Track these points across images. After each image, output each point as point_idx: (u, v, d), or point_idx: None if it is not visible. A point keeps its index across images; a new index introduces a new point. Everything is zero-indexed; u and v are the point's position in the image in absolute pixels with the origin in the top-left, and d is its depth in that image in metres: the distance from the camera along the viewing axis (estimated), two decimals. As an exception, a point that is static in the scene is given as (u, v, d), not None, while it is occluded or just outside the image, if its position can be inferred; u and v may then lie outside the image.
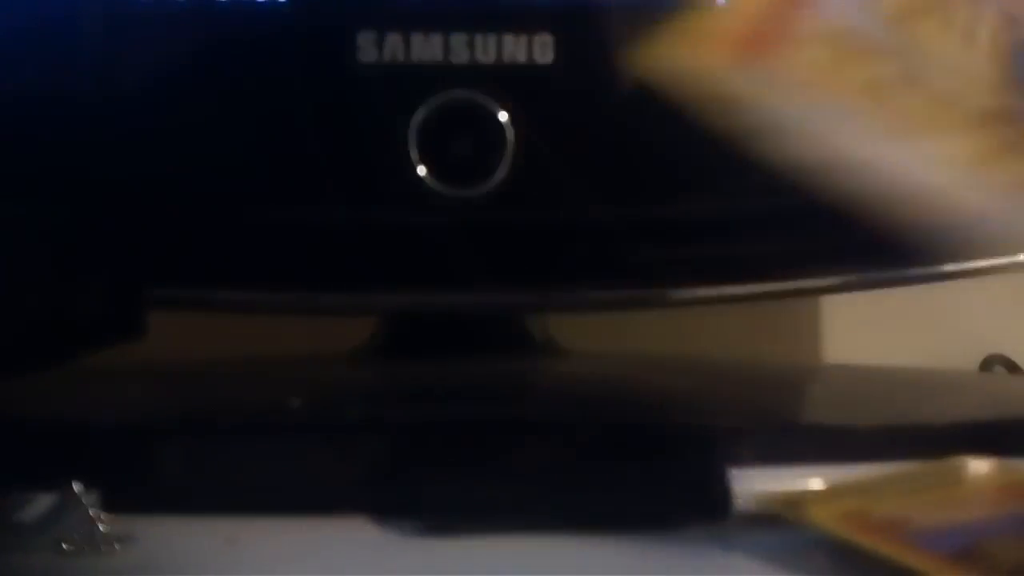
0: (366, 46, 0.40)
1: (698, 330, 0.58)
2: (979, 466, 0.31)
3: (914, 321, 0.62)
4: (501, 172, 0.41)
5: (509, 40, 0.40)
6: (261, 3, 0.40)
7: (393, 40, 0.40)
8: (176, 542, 0.29)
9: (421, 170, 0.40)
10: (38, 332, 0.31)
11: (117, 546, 0.28)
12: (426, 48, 0.40)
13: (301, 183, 0.42)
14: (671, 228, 0.43)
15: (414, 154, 0.40)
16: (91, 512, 0.28)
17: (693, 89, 0.33)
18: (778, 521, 0.29)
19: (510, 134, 0.40)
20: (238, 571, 0.28)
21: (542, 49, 0.40)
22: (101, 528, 0.28)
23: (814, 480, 0.30)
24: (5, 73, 0.40)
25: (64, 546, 0.28)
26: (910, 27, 0.33)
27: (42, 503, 0.29)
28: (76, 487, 0.29)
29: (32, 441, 0.33)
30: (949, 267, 0.45)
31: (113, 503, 0.29)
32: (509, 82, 0.40)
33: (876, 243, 0.44)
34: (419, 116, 0.40)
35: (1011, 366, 0.56)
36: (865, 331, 0.62)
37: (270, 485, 0.32)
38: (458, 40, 0.40)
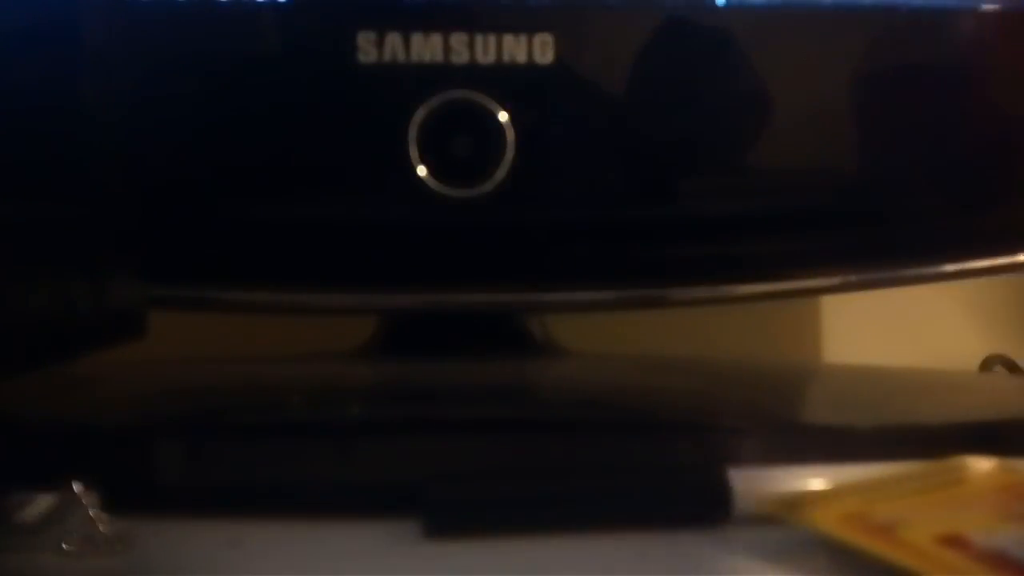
0: (366, 46, 0.40)
1: (698, 330, 0.58)
2: (979, 466, 0.31)
3: (914, 321, 0.62)
4: (501, 172, 0.41)
5: (509, 40, 0.40)
6: (261, 3, 0.40)
7: (393, 40, 0.40)
8: (177, 543, 0.29)
9: (421, 170, 0.40)
10: (38, 332, 0.31)
11: (117, 546, 0.28)
12: (426, 48, 0.40)
13: (301, 183, 0.42)
14: (671, 228, 0.43)
15: (414, 154, 0.40)
16: (91, 512, 0.28)
17: None
18: (778, 521, 0.29)
19: (510, 134, 0.40)
20: (239, 571, 0.28)
21: (542, 49, 0.40)
22: (101, 528, 0.28)
23: (814, 480, 0.30)
24: (4, 72, 0.40)
25: (64, 546, 0.28)
26: None
27: (42, 503, 0.29)
28: (76, 487, 0.29)
29: (32, 441, 0.33)
30: (949, 267, 0.45)
31: (113, 503, 0.29)
32: (509, 82, 0.40)
33: (876, 243, 0.44)
34: (419, 116, 0.40)
35: (1011, 366, 0.56)
36: (865, 331, 0.62)
37: (270, 485, 0.32)
38: (458, 40, 0.40)
